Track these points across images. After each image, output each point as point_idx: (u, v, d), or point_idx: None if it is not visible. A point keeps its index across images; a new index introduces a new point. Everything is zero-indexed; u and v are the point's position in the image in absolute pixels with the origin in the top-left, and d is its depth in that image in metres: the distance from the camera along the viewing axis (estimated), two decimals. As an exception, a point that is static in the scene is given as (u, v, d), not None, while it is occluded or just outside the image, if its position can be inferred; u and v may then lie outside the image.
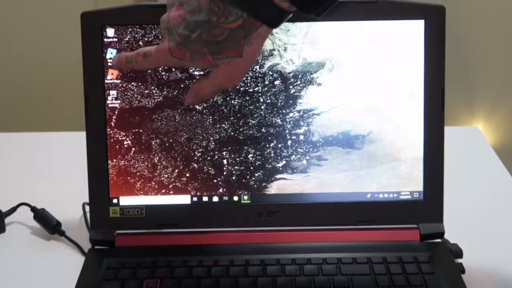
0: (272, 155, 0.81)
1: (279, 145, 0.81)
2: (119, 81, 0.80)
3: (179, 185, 0.82)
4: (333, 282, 0.75)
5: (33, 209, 0.89)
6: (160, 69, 0.79)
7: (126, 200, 0.82)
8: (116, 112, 0.81)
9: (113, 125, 0.81)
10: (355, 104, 0.81)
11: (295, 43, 0.79)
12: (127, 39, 0.79)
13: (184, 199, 0.82)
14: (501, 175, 1.01)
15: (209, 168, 0.81)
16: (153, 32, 0.79)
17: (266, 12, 0.58)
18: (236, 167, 0.81)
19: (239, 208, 0.82)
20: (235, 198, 0.82)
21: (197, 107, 0.80)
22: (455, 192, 0.86)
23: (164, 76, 0.80)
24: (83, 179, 0.81)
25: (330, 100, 0.80)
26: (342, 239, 0.82)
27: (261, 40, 0.60)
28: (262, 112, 0.80)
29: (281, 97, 0.80)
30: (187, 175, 0.82)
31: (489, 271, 0.80)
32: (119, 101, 0.80)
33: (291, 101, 0.80)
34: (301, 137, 0.81)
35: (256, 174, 0.81)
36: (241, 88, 0.80)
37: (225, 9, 0.58)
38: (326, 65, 0.80)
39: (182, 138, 0.81)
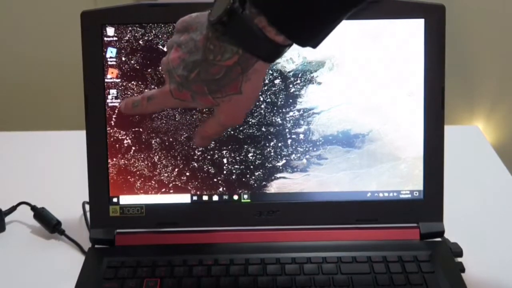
0: (272, 154, 0.81)
1: (279, 144, 0.81)
2: (119, 80, 0.80)
3: (179, 184, 0.82)
4: (333, 281, 0.75)
5: (33, 208, 0.89)
6: (159, 68, 0.79)
7: (126, 199, 0.82)
8: (116, 111, 0.81)
9: (113, 124, 0.81)
10: (355, 103, 0.81)
11: (295, 42, 0.79)
12: (127, 38, 0.79)
13: (184, 198, 0.82)
14: (501, 174, 1.01)
15: (209, 167, 0.81)
16: (153, 31, 0.79)
17: (261, 47, 0.57)
18: (236, 166, 0.81)
19: (239, 207, 0.82)
20: (235, 197, 0.82)
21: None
22: (455, 191, 0.86)
23: (164, 75, 0.79)
24: (83, 178, 0.81)
25: (330, 99, 0.80)
26: (342, 238, 0.82)
27: (259, 75, 0.60)
28: (262, 111, 0.80)
29: (281, 96, 0.80)
30: (187, 174, 0.82)
31: (489, 270, 0.80)
32: (119, 100, 0.80)
33: (291, 100, 0.80)
34: (301, 136, 0.81)
35: (256, 173, 0.81)
36: (241, 87, 0.80)
37: (220, 46, 0.58)
38: (326, 64, 0.80)
39: (182, 137, 0.81)
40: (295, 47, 0.57)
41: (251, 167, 0.81)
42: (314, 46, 0.58)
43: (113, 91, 0.80)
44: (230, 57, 0.58)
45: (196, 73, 0.59)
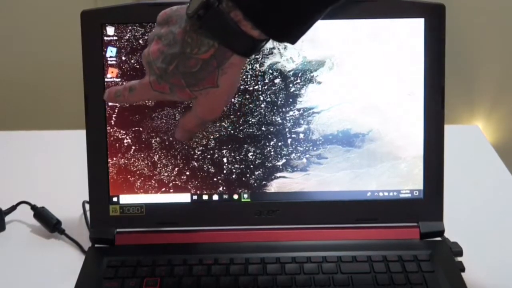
0: (272, 153, 0.81)
1: (279, 144, 0.81)
2: (119, 79, 0.80)
3: (179, 184, 0.82)
4: (333, 281, 0.75)
5: (33, 207, 0.89)
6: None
7: (126, 199, 0.82)
8: (116, 111, 0.81)
9: (113, 123, 0.81)
10: (355, 102, 0.81)
11: (295, 41, 0.79)
12: (127, 37, 0.79)
13: (184, 198, 0.82)
14: (501, 174, 1.01)
15: (209, 167, 0.81)
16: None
17: (237, 41, 0.57)
18: (236, 166, 0.81)
19: (239, 207, 0.82)
20: (235, 197, 0.82)
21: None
22: (455, 191, 0.86)
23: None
24: (83, 178, 0.81)
25: (330, 98, 0.80)
26: (342, 237, 0.82)
27: (235, 69, 0.60)
28: (262, 111, 0.80)
29: (281, 96, 0.80)
30: (187, 173, 0.82)
31: (489, 269, 0.80)
32: (119, 100, 0.80)
33: (291, 100, 0.80)
34: (301, 135, 0.81)
35: (256, 173, 0.81)
36: (241, 87, 0.80)
37: (197, 39, 0.58)
38: (326, 64, 0.80)
39: (182, 137, 0.81)
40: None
41: (251, 166, 0.81)
42: (292, 42, 0.58)
43: (113, 91, 0.80)
44: (207, 50, 0.58)
45: (174, 66, 0.60)
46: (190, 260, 0.78)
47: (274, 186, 0.82)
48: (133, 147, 0.81)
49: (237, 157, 0.81)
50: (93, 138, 0.81)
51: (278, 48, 0.79)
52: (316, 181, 0.82)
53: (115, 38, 0.79)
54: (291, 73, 0.80)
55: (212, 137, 0.81)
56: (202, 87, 0.60)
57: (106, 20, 0.79)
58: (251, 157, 0.81)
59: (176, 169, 0.81)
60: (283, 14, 0.56)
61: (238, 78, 0.62)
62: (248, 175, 0.82)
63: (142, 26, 0.79)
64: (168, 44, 0.60)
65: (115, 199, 0.82)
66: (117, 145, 0.81)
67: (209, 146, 0.81)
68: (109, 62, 0.80)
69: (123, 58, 0.80)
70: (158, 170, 0.81)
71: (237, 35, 0.57)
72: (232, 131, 0.81)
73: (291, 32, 0.58)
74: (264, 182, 0.82)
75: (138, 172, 0.81)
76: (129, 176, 0.82)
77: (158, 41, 0.61)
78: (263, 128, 0.81)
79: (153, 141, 0.81)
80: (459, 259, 0.80)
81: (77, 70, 0.87)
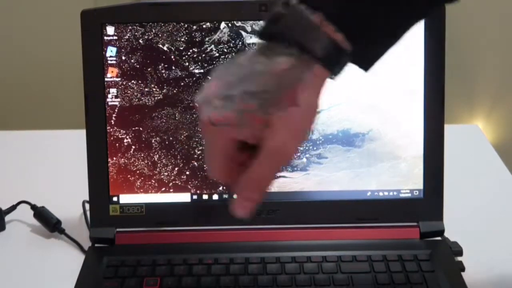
0: (272, 153, 0.81)
1: (279, 143, 0.81)
2: (119, 79, 0.80)
3: (179, 183, 0.82)
4: (333, 280, 0.75)
5: (33, 207, 0.89)
6: (159, 67, 0.79)
7: (126, 198, 0.82)
8: (116, 110, 0.81)
9: (113, 123, 0.81)
10: (355, 102, 0.81)
11: (295, 41, 0.79)
12: (127, 37, 0.79)
13: (184, 197, 0.82)
14: (501, 173, 1.01)
15: (209, 166, 0.81)
16: (153, 30, 0.79)
17: (318, 44, 0.51)
18: (236, 165, 0.81)
19: (239, 206, 0.82)
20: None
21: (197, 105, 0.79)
22: (455, 190, 0.86)
23: (164, 74, 0.80)
24: (83, 177, 0.81)
25: (330, 98, 0.80)
26: (342, 237, 0.82)
27: (318, 81, 0.52)
28: (262, 110, 0.80)
29: (281, 95, 0.80)
30: (187, 173, 0.82)
31: (489, 269, 0.80)
32: (119, 99, 0.80)
33: (291, 99, 0.80)
34: (301, 135, 0.81)
35: (256, 172, 0.81)
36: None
37: (272, 52, 0.51)
38: (326, 63, 0.80)
39: (182, 136, 0.81)
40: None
41: (251, 166, 0.81)
42: (366, 68, 0.54)
43: (113, 90, 0.80)
44: (283, 62, 0.51)
45: (241, 89, 0.51)
46: (190, 260, 0.78)
47: (274, 186, 0.82)
48: (133, 147, 0.81)
49: (237, 157, 0.81)
50: (93, 138, 0.81)
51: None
52: (316, 181, 0.82)
53: (115, 38, 0.79)
54: (291, 72, 0.80)
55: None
56: (279, 107, 0.51)
57: (106, 20, 0.79)
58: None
59: (176, 168, 0.81)
60: (367, 20, 0.52)
61: (321, 94, 0.52)
62: (248, 175, 0.81)
63: (142, 26, 0.79)
64: (231, 74, 0.52)
65: (115, 198, 0.82)
66: (117, 145, 0.81)
67: (209, 146, 0.81)
68: (109, 62, 0.80)
69: (123, 57, 0.80)
70: (158, 169, 0.81)
71: (318, 38, 0.50)
72: (232, 131, 0.81)
73: (371, 47, 0.53)
74: (264, 181, 0.82)
75: (138, 171, 0.81)
76: (129, 176, 0.82)
77: (216, 79, 0.52)
78: (263, 128, 0.81)
79: (153, 141, 0.81)
80: (459, 258, 0.80)
81: (77, 70, 0.87)
